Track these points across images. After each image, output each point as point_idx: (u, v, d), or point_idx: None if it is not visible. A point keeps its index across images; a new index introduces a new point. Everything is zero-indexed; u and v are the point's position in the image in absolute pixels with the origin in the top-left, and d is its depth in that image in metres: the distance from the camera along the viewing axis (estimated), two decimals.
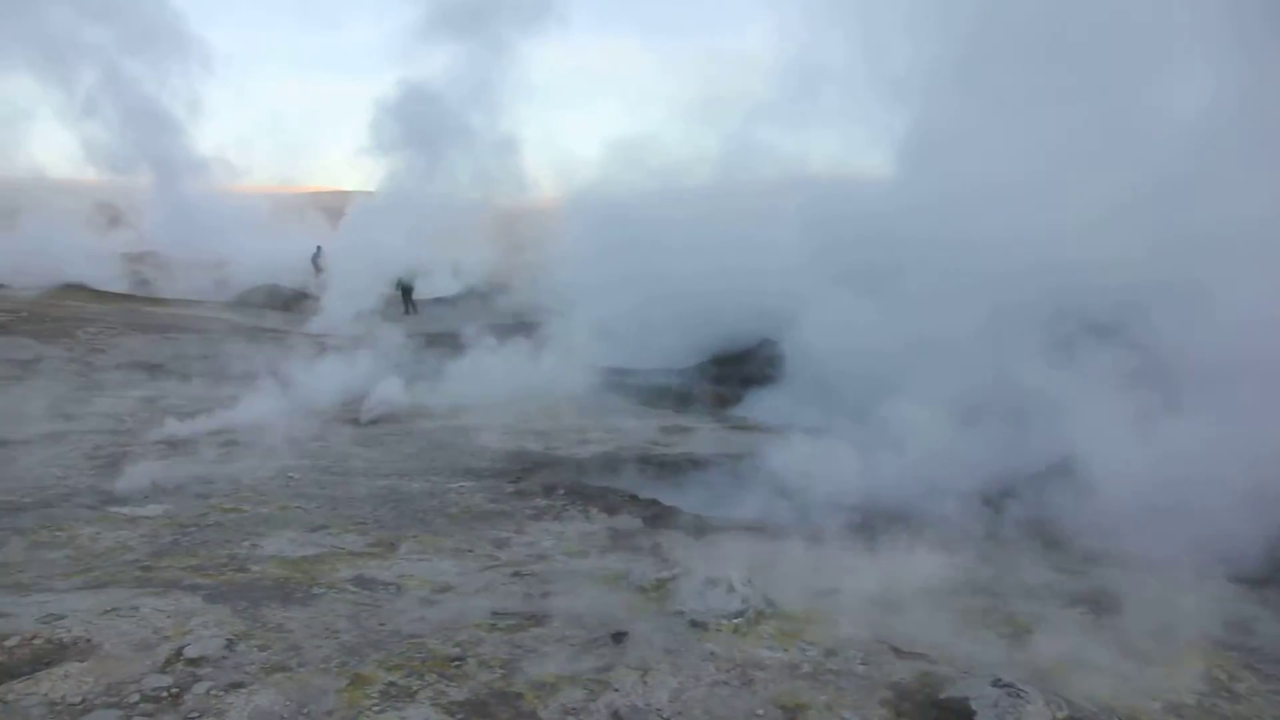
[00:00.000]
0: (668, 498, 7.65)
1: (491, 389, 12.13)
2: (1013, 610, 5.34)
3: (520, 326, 16.33)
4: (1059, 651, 4.72)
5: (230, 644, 4.18)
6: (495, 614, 4.81)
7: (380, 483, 7.51)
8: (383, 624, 4.60)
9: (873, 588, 5.51)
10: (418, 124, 24.91)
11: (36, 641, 4.11)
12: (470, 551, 5.98)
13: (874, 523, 6.91)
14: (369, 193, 26.84)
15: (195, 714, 3.64)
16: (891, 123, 16.83)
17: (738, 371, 14.77)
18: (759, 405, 13.46)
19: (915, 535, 6.45)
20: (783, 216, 17.74)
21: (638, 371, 15.77)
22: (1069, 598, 5.63)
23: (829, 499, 7.59)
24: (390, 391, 10.50)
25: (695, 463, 9.08)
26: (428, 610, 4.83)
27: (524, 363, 13.73)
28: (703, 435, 10.63)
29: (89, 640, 4.14)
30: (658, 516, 6.97)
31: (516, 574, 5.51)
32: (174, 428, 8.77)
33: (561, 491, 7.42)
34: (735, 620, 4.72)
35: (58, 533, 5.83)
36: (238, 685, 3.85)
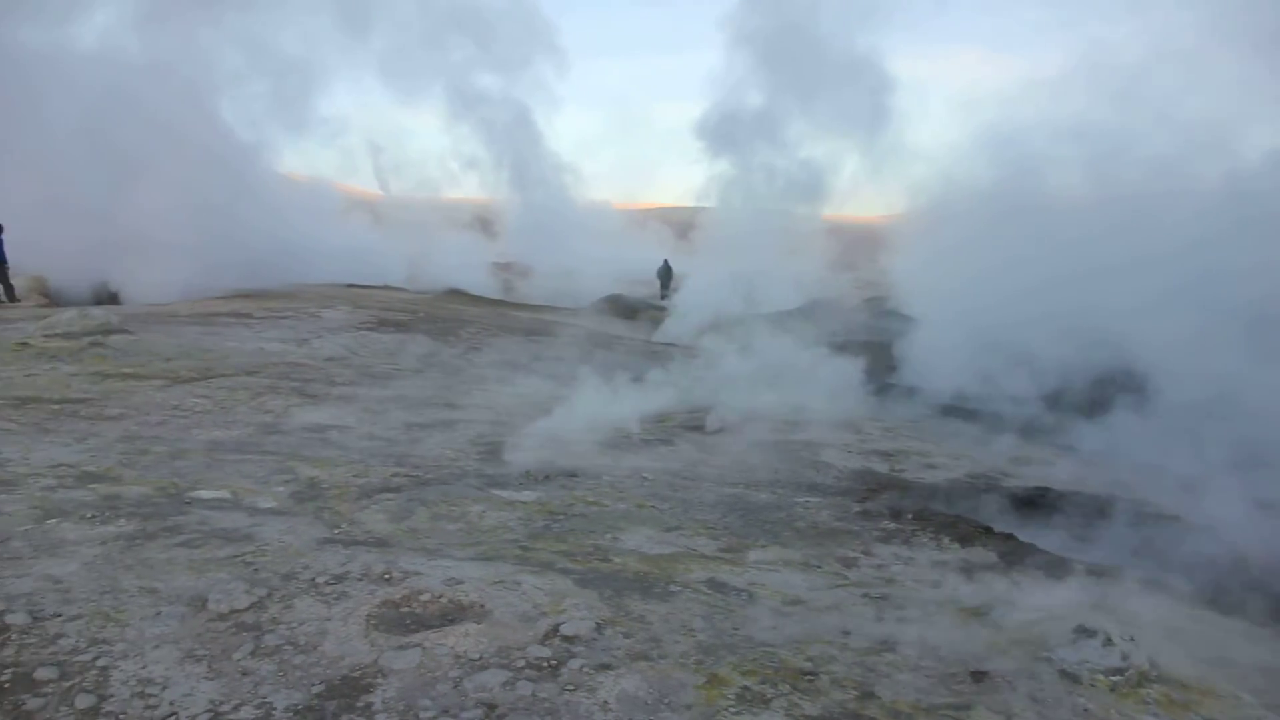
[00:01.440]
0: (1024, 533, 7.14)
1: (831, 405, 12.08)
2: None
3: (859, 343, 16.10)
4: None
5: (599, 627, 4.48)
6: (846, 633, 4.76)
7: (728, 490, 7.73)
8: (736, 628, 4.71)
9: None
10: (759, 135, 25.61)
11: (443, 600, 4.69)
12: (818, 567, 5.98)
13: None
14: (712, 208, 28.08)
15: (571, 687, 3.94)
16: None
17: (1099, 402, 13.45)
18: (1124, 441, 12.19)
19: None
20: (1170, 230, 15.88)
21: (983, 395, 14.94)
22: None
23: (1218, 556, 6.70)
24: (734, 402, 10.80)
25: (1052, 498, 8.42)
26: (779, 620, 4.88)
27: (863, 380, 13.54)
28: (1059, 469, 9.84)
29: (482, 606, 4.64)
30: (1014, 552, 6.53)
31: (866, 595, 5.42)
32: (540, 423, 9.61)
33: (910, 516, 7.20)
34: (1113, 678, 4.28)
35: (452, 507, 6.61)
36: (606, 667, 4.11)
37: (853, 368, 14.17)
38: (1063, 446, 11.43)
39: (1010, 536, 6.93)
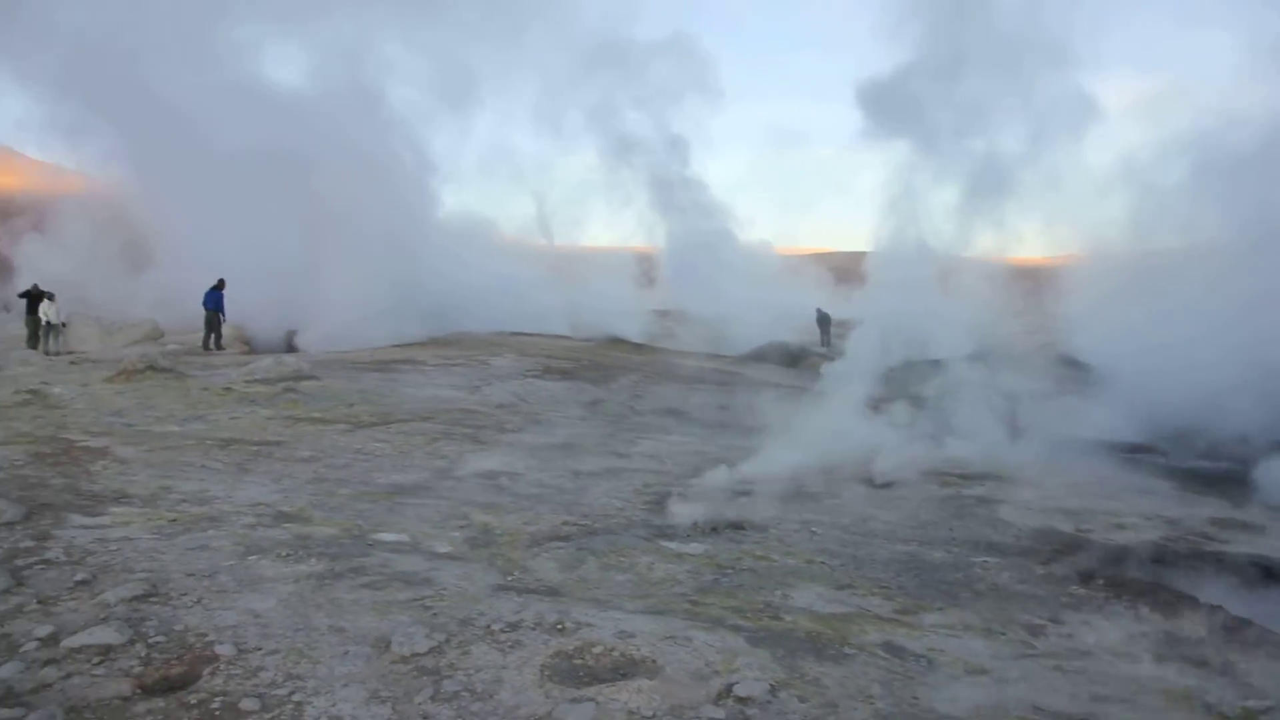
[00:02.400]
0: (1236, 606, 6.49)
1: (1003, 456, 11.50)
2: None
3: (1032, 391, 15.27)
4: None
5: (773, 690, 4.36)
6: (1037, 709, 4.44)
7: (900, 548, 7.43)
8: (916, 697, 4.48)
9: None
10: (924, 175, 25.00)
11: (615, 653, 4.69)
12: (1002, 634, 5.63)
13: None
14: (875, 252, 27.53)
15: None
16: None
17: None
18: None
19: None
20: None
21: (1174, 450, 13.87)
22: None
23: None
24: (902, 453, 10.44)
25: (1269, 569, 7.64)
26: (962, 690, 4.61)
27: (1037, 430, 12.83)
28: (1272, 534, 8.94)
29: (654, 661, 4.61)
30: (1227, 628, 5.94)
31: (1058, 668, 5.05)
32: (705, 473, 9.58)
33: (1101, 581, 6.69)
34: None
35: (621, 558, 6.65)
36: None
37: (1028, 417, 13.46)
38: (1274, 508, 10.40)
39: (1219, 609, 6.32)
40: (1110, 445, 13.74)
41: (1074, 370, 18.34)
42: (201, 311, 21.41)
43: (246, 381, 14.11)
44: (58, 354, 19.74)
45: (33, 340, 20.69)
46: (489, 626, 5.00)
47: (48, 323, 20.49)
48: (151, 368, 14.85)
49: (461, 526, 7.25)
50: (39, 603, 5.13)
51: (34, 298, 20.83)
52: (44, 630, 4.73)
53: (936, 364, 17.66)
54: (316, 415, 12.11)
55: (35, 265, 30.48)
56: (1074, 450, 12.57)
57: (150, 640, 4.65)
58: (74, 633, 4.68)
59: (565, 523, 7.52)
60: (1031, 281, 30.37)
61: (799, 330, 33.29)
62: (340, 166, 25.66)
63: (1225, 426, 13.83)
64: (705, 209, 43.31)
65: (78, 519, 6.88)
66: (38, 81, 30.87)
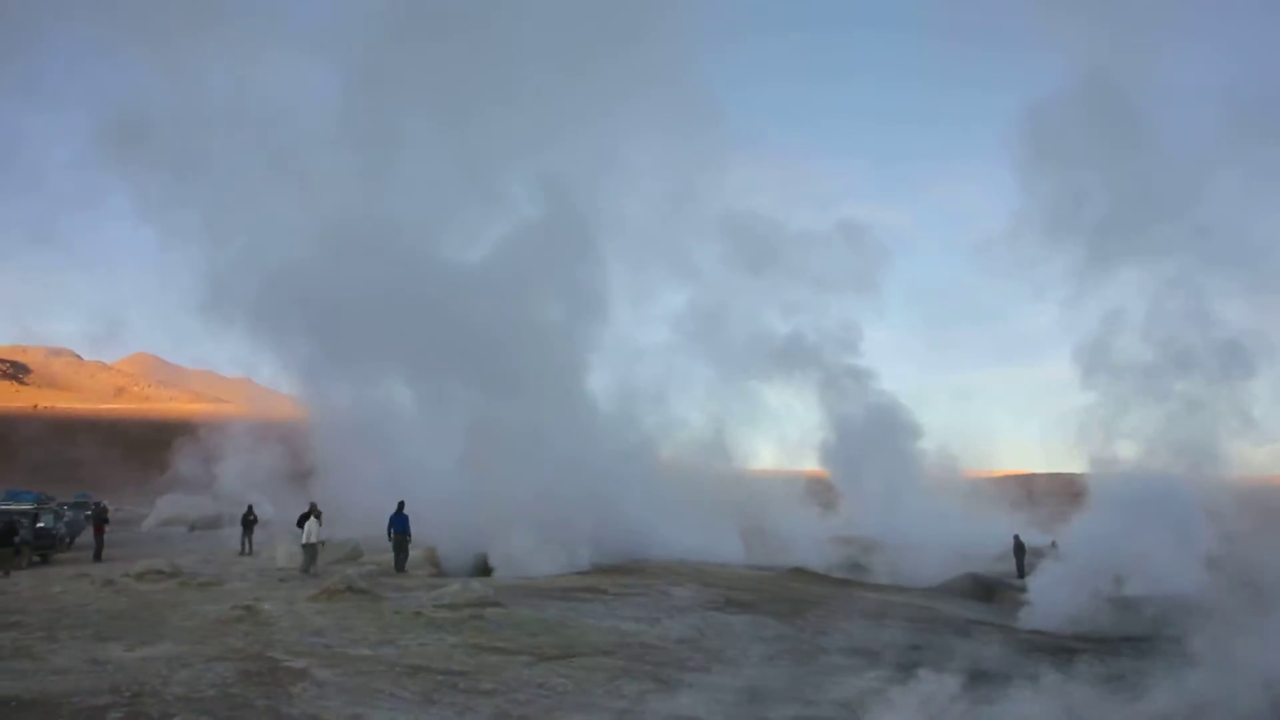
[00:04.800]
0: None
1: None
2: None
3: None
4: None
5: None
6: None
7: None
8: None
9: None
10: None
11: None
12: None
13: None
14: (1079, 473, 25.81)
15: None
16: None
17: None
18: None
19: None
20: None
21: None
22: None
23: None
24: (1123, 707, 9.29)
25: None
26: None
27: None
28: None
29: None
30: None
31: None
32: None
33: None
34: None
35: None
36: None
37: None
38: None
39: None
40: None
41: None
42: (386, 528, 22.05)
43: (435, 606, 14.48)
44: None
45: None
46: None
47: (310, 543, 20.62)
48: (350, 588, 15.58)
49: None
50: None
51: (303, 516, 21.22)
52: None
53: (1174, 601, 15.86)
54: (500, 645, 12.18)
55: (232, 483, 33.15)
56: None
57: None
58: None
59: None
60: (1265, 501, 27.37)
61: (996, 559, 31.17)
62: (521, 388, 26.86)
63: None
64: (890, 430, 42.55)
65: None
66: (241, 318, 34.16)
